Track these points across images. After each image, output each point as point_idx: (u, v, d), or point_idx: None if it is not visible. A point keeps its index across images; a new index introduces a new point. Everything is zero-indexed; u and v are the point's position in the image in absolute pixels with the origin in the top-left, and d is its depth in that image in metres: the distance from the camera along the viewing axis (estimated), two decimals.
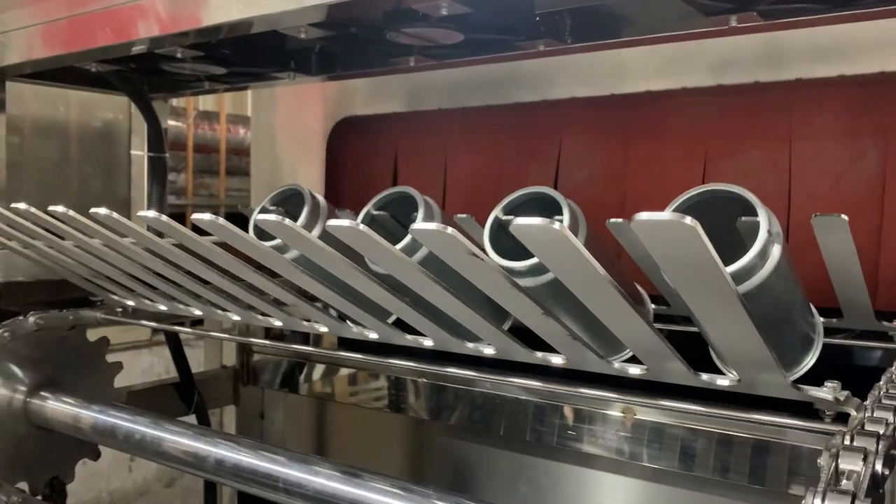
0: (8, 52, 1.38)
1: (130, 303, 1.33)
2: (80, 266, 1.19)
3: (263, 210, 1.07)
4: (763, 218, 0.73)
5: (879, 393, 0.74)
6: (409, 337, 0.97)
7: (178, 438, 1.07)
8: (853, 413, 0.74)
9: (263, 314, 1.10)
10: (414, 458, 1.68)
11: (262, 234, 0.91)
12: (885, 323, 1.04)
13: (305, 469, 0.92)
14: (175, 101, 5.11)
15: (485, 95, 1.69)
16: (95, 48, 1.24)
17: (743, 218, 0.75)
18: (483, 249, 0.83)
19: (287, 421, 1.87)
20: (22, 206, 1.01)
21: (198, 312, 1.20)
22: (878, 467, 0.60)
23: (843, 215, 0.77)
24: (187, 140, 5.51)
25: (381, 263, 0.80)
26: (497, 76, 1.65)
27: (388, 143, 1.81)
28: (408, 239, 0.89)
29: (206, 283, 1.02)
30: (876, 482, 0.59)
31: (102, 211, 0.89)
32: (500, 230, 0.86)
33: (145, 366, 3.53)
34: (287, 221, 0.75)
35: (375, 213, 1.03)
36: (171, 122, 5.09)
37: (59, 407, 1.24)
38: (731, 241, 0.76)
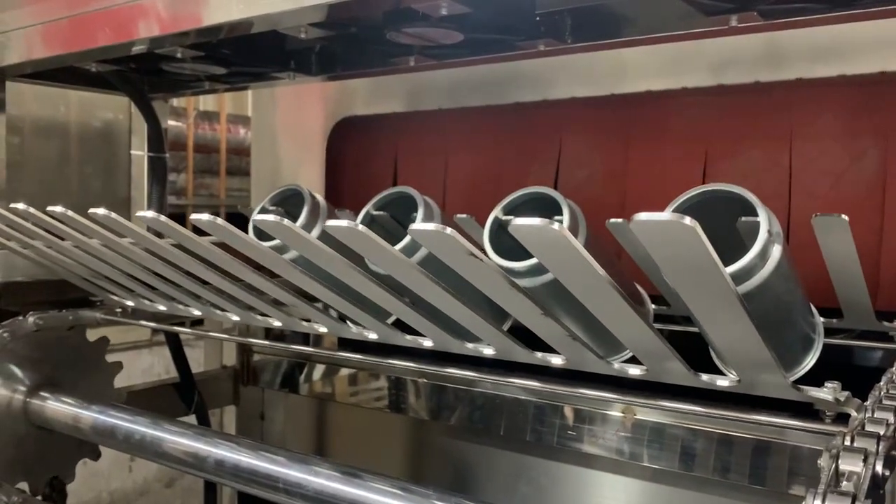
0: (8, 52, 1.38)
1: (130, 303, 1.33)
2: (80, 266, 1.19)
3: (263, 210, 1.07)
4: (763, 218, 0.73)
5: (880, 393, 0.74)
6: (408, 337, 0.97)
7: (178, 439, 1.07)
8: (853, 414, 0.73)
9: (263, 314, 1.09)
10: (414, 459, 1.68)
11: (262, 234, 0.91)
12: (886, 323, 1.04)
13: (305, 469, 0.92)
14: (175, 101, 5.11)
15: (485, 95, 1.69)
16: (95, 48, 1.24)
17: (743, 218, 0.75)
18: (483, 250, 0.83)
19: (287, 421, 1.87)
20: (21, 206, 1.01)
21: (197, 313, 1.20)
22: (879, 468, 0.60)
23: (843, 215, 0.77)
24: (187, 140, 5.51)
25: (381, 264, 0.80)
26: (497, 76, 1.65)
27: (388, 143, 1.81)
28: (407, 239, 0.89)
29: (205, 283, 1.02)
30: (876, 483, 0.59)
31: (101, 211, 0.89)
32: (500, 230, 0.86)
33: (145, 366, 3.53)
34: (286, 222, 0.75)
35: (375, 213, 1.03)
36: (172, 122, 5.09)
37: (58, 407, 1.24)
38: (731, 242, 0.75)
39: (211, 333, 1.72)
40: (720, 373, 0.81)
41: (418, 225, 0.64)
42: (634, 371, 0.83)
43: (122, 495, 3.41)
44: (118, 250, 1.02)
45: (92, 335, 1.41)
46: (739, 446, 1.17)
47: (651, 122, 1.47)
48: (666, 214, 0.54)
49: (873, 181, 1.25)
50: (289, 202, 1.09)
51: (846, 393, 0.75)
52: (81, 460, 1.41)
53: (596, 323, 0.72)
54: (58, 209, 0.94)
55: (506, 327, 0.89)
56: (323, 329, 1.06)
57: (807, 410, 0.79)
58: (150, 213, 0.84)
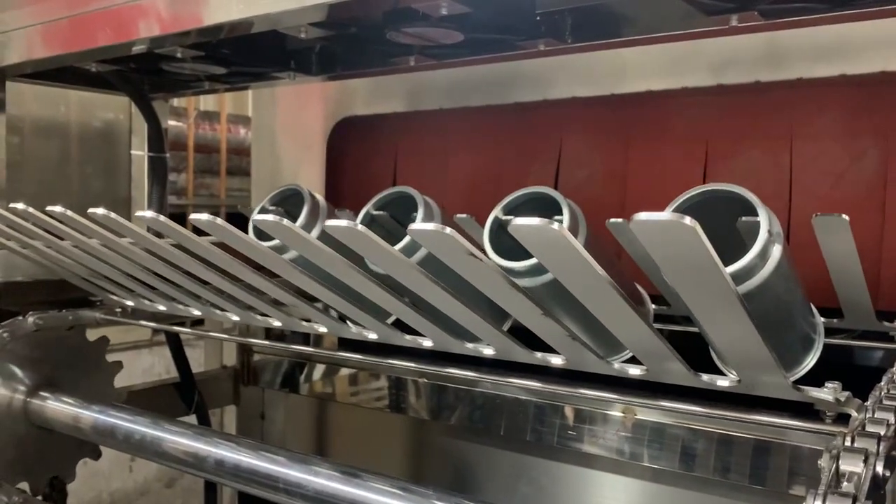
0: (8, 52, 1.38)
1: (129, 303, 1.32)
2: (79, 266, 1.19)
3: (263, 210, 1.07)
4: (763, 218, 0.73)
5: (880, 394, 0.74)
6: (408, 337, 0.97)
7: (179, 438, 1.07)
8: (854, 414, 0.73)
9: (262, 314, 1.09)
10: (414, 459, 1.68)
11: (262, 234, 0.90)
12: (886, 323, 1.04)
13: (305, 469, 0.92)
14: (175, 101, 5.11)
15: (485, 95, 1.69)
16: (96, 48, 1.24)
17: (743, 218, 0.75)
18: (483, 250, 0.83)
19: (287, 421, 1.87)
20: (20, 206, 1.01)
21: (197, 313, 1.20)
22: (880, 469, 0.59)
23: (843, 215, 0.76)
24: (188, 140, 5.50)
25: (380, 264, 0.80)
26: (497, 76, 1.65)
27: (388, 143, 1.80)
28: (407, 239, 0.89)
29: (205, 283, 1.02)
30: (877, 484, 0.59)
31: (100, 211, 0.89)
32: (500, 230, 0.86)
33: (146, 366, 3.53)
34: (285, 222, 0.75)
35: (375, 213, 1.03)
36: (172, 122, 5.08)
37: (59, 407, 1.24)
38: (731, 242, 0.75)
39: (211, 333, 1.72)
40: (720, 373, 0.80)
41: (418, 225, 0.64)
42: (634, 371, 0.83)
43: (122, 495, 3.41)
44: (118, 250, 1.02)
45: (92, 335, 1.41)
46: (740, 446, 1.17)
47: (651, 121, 1.47)
48: (666, 214, 0.54)
49: (874, 181, 1.25)
50: (289, 202, 1.09)
51: (847, 393, 0.75)
52: (82, 460, 1.41)
53: (596, 323, 0.72)
54: (57, 209, 0.94)
55: (506, 327, 0.89)
56: (323, 329, 1.06)
57: (807, 410, 0.79)
58: (150, 213, 0.84)
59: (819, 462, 0.62)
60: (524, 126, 1.62)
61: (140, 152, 2.38)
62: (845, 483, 0.58)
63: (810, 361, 0.86)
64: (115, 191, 2.44)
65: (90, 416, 1.18)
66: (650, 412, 1.25)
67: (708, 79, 1.42)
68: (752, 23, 0.97)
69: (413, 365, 1.07)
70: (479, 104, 1.69)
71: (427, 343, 0.96)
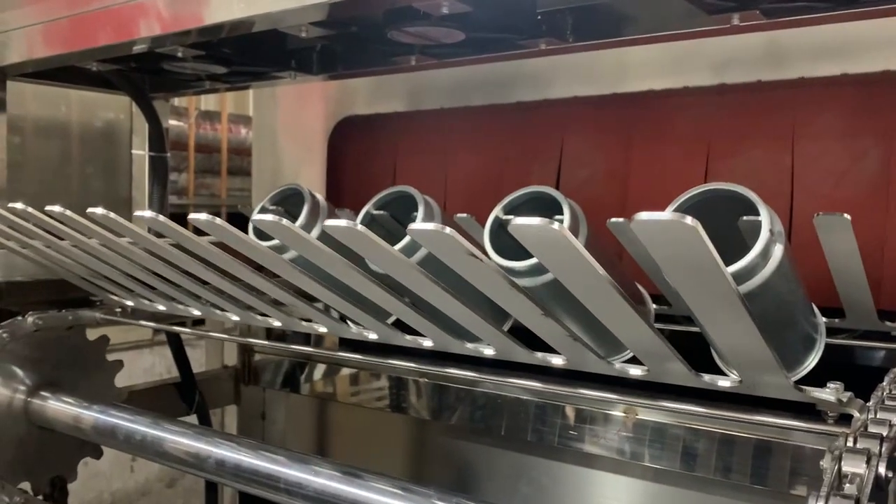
0: (9, 52, 1.38)
1: (129, 303, 1.32)
2: (79, 266, 1.19)
3: (263, 210, 1.07)
4: (765, 217, 0.73)
5: (882, 394, 0.74)
6: (408, 337, 0.96)
7: (179, 438, 1.07)
8: (856, 414, 0.73)
9: (262, 314, 1.09)
10: (415, 459, 1.68)
11: (261, 234, 0.90)
12: (888, 323, 1.03)
13: (306, 469, 0.92)
14: (176, 101, 5.12)
15: (486, 95, 1.69)
16: (96, 47, 1.24)
17: (745, 217, 0.75)
18: (483, 249, 0.83)
19: (288, 421, 1.87)
20: (19, 205, 1.01)
21: (197, 313, 1.20)
22: (882, 470, 0.59)
23: (845, 215, 0.76)
24: (189, 140, 5.51)
25: (380, 264, 0.80)
26: (498, 75, 1.65)
27: (389, 143, 1.80)
28: (407, 239, 0.89)
29: (204, 283, 1.02)
30: (880, 485, 0.59)
31: (100, 211, 0.89)
32: (501, 230, 0.86)
33: (147, 365, 3.53)
34: (284, 221, 0.74)
35: (375, 212, 1.02)
36: (173, 122, 5.09)
37: (59, 407, 1.24)
38: (732, 241, 0.75)
39: (212, 333, 1.72)
40: (722, 373, 0.80)
41: (418, 225, 0.64)
42: (635, 371, 0.82)
43: (123, 495, 3.41)
44: (117, 250, 1.02)
45: (92, 334, 1.41)
46: (741, 446, 1.17)
47: (652, 121, 1.46)
48: (667, 214, 0.53)
49: (876, 180, 1.24)
50: (289, 202, 1.09)
51: (848, 394, 0.75)
52: (83, 460, 1.41)
53: (596, 323, 0.72)
54: (56, 209, 0.94)
55: (506, 327, 0.89)
56: (323, 329, 1.05)
57: (809, 410, 0.79)
58: (149, 213, 0.84)
59: (821, 463, 0.62)
60: (525, 126, 1.62)
61: (141, 152, 2.38)
62: (847, 485, 0.58)
63: (812, 361, 0.86)
64: (115, 190, 2.44)
65: (91, 416, 1.18)
66: (651, 412, 1.24)
67: (709, 78, 1.42)
68: (754, 22, 0.97)
69: (413, 365, 1.07)
70: (480, 104, 1.69)
71: (427, 343, 0.95)
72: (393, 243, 0.79)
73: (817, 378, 0.79)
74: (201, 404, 1.75)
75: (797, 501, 1.12)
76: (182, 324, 1.45)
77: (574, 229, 0.84)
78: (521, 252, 0.73)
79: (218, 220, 0.78)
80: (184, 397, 1.73)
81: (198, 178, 5.65)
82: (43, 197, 1.65)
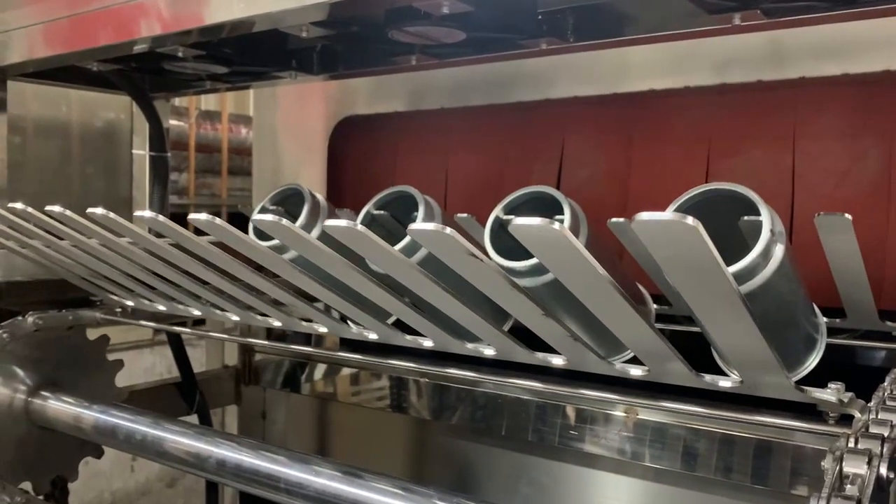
0: (9, 52, 1.38)
1: (129, 303, 1.32)
2: (79, 266, 1.19)
3: (263, 210, 1.07)
4: (766, 217, 0.72)
5: (884, 394, 0.73)
6: (408, 337, 0.96)
7: (180, 438, 1.07)
8: (857, 415, 0.73)
9: (262, 314, 1.09)
10: (415, 459, 1.68)
11: (262, 234, 0.90)
12: (889, 323, 1.03)
13: (307, 469, 0.92)
14: (177, 101, 5.12)
15: (487, 94, 1.69)
16: (97, 47, 1.24)
17: (745, 217, 0.74)
18: (484, 249, 0.83)
19: (289, 421, 1.87)
20: (19, 205, 1.01)
21: (197, 313, 1.20)
22: (883, 471, 0.59)
23: (846, 215, 0.76)
24: (189, 140, 5.51)
25: (380, 264, 0.80)
26: (499, 75, 1.65)
27: (389, 143, 1.80)
28: (407, 239, 0.89)
29: (204, 283, 1.02)
30: (881, 486, 0.58)
31: (99, 211, 0.89)
32: (501, 230, 0.86)
33: (147, 365, 3.53)
34: (284, 221, 0.74)
35: (376, 212, 1.02)
36: (173, 122, 5.09)
37: (60, 407, 1.24)
38: (733, 241, 0.75)
39: (212, 333, 1.72)
40: (722, 373, 0.80)
41: (418, 225, 0.64)
42: (636, 372, 0.82)
43: (123, 495, 3.41)
44: (117, 250, 1.02)
45: (92, 334, 1.41)
46: (742, 446, 1.16)
47: (653, 121, 1.46)
48: (668, 214, 0.53)
49: (877, 180, 1.24)
50: (289, 201, 1.09)
51: (850, 394, 0.75)
52: (84, 459, 1.41)
53: (597, 323, 0.72)
54: (56, 209, 0.94)
55: (506, 327, 0.89)
56: (323, 329, 1.05)
57: (810, 410, 0.78)
58: (149, 213, 0.84)
59: (822, 464, 0.61)
60: (526, 125, 1.62)
61: (141, 152, 2.38)
62: (849, 486, 0.58)
63: (813, 361, 0.85)
64: (116, 190, 2.44)
65: (91, 415, 1.18)
66: (652, 412, 1.24)
67: (710, 78, 1.42)
68: (755, 21, 0.96)
69: (414, 365, 1.07)
70: (481, 103, 1.69)
71: (427, 343, 0.95)
72: (393, 243, 0.79)
73: (818, 378, 0.78)
74: (202, 404, 1.75)
75: (798, 501, 1.12)
76: (182, 324, 1.45)
77: (575, 229, 0.84)
78: (521, 252, 0.73)
79: (218, 220, 0.77)
80: (184, 397, 1.73)
81: (198, 177, 5.65)
82: (43, 197, 1.65)
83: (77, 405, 1.22)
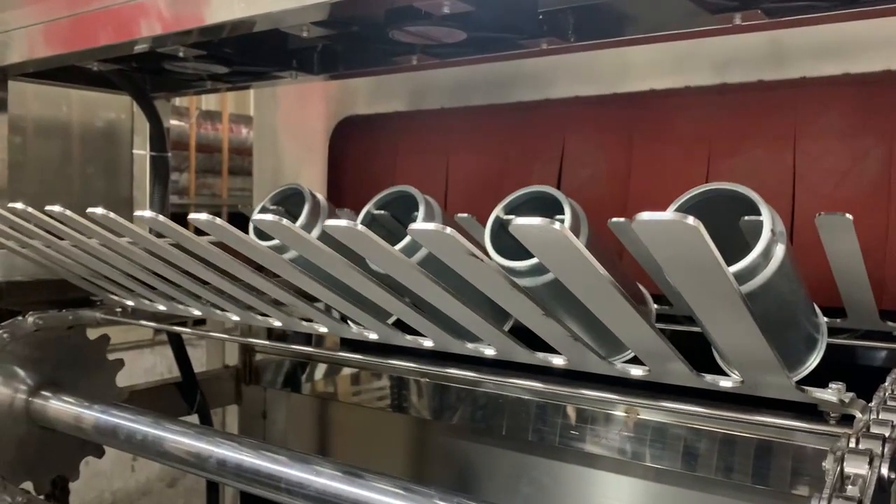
0: (10, 51, 1.38)
1: (130, 303, 1.32)
2: (79, 266, 1.19)
3: (263, 210, 1.07)
4: (766, 217, 0.72)
5: (884, 394, 0.73)
6: (408, 337, 0.96)
7: (180, 438, 1.07)
8: (858, 415, 0.73)
9: (262, 314, 1.09)
10: (416, 458, 1.68)
11: (262, 234, 0.90)
12: (890, 323, 1.03)
13: (307, 469, 0.92)
14: (177, 101, 5.12)
15: (487, 94, 1.69)
16: (97, 47, 1.24)
17: (746, 217, 0.74)
18: (484, 249, 0.83)
19: (289, 421, 1.87)
20: (19, 205, 1.01)
21: (197, 313, 1.20)
22: (885, 471, 0.59)
23: (847, 214, 0.76)
24: (190, 139, 5.51)
25: (380, 264, 0.80)
26: (499, 75, 1.65)
27: (390, 143, 1.80)
28: (407, 239, 0.89)
29: (205, 283, 1.02)
30: (882, 486, 0.58)
31: (99, 211, 0.89)
32: (502, 230, 0.85)
33: (148, 365, 3.53)
34: (284, 221, 0.74)
35: (376, 212, 1.02)
36: (174, 122, 5.09)
37: (60, 407, 1.24)
38: (733, 241, 0.75)
39: (213, 333, 1.72)
40: (723, 373, 0.80)
41: (418, 225, 0.64)
42: (636, 372, 0.82)
43: (124, 495, 3.41)
44: (117, 250, 1.02)
45: (92, 333, 1.41)
46: (742, 446, 1.16)
47: (654, 121, 1.46)
48: (668, 214, 0.53)
49: (878, 180, 1.24)
50: (289, 201, 1.09)
51: (850, 394, 0.74)
52: (84, 459, 1.41)
53: (597, 323, 0.71)
54: (56, 209, 0.94)
55: (507, 327, 0.89)
56: (323, 329, 1.05)
57: (811, 410, 0.78)
58: (149, 213, 0.84)
59: (823, 464, 0.61)
60: (526, 125, 1.62)
61: (142, 152, 2.39)
62: (850, 487, 0.58)
63: (813, 361, 0.85)
64: (116, 190, 2.44)
65: (92, 415, 1.18)
66: (652, 412, 1.24)
67: (711, 78, 1.42)
68: (756, 21, 0.96)
69: (414, 365, 1.07)
70: (481, 103, 1.69)
71: (428, 343, 0.95)
72: (393, 243, 0.79)
73: (819, 378, 0.78)
74: (202, 404, 1.75)
75: (799, 502, 1.12)
76: (183, 324, 1.45)
77: (575, 229, 0.84)
78: (521, 252, 0.73)
79: (218, 220, 0.77)
80: (185, 397, 1.73)
81: (199, 177, 5.65)
82: (44, 197, 1.65)
83: (78, 405, 1.22)
